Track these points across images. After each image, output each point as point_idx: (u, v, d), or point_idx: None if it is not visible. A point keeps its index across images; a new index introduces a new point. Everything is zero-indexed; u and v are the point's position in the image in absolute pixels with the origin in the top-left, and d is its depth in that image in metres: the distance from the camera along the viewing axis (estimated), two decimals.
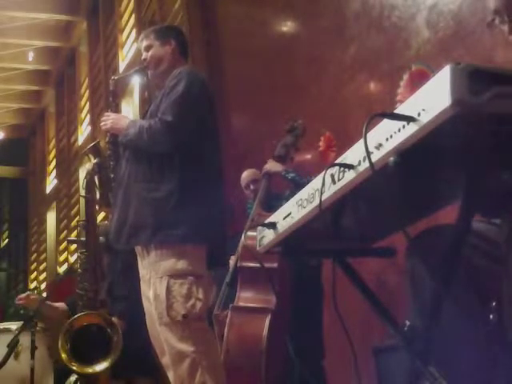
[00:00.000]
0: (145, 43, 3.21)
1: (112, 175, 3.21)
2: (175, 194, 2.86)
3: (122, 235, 2.93)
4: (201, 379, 2.75)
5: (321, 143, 4.06)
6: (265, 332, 3.32)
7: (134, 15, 7.65)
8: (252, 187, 4.16)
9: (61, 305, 4.61)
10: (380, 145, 1.34)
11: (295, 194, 1.75)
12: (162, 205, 2.85)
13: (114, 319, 4.07)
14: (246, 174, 4.26)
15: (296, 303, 3.54)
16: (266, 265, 2.96)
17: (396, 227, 1.60)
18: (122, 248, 3.07)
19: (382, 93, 4.15)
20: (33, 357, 4.25)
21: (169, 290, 2.81)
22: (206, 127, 3.00)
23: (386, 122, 1.34)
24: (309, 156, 4.54)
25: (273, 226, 1.82)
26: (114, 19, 8.34)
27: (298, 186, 3.42)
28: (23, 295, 4.62)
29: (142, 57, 3.21)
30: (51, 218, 10.89)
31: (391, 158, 1.30)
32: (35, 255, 11.48)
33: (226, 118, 5.66)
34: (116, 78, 3.44)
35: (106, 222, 5.06)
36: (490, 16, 1.79)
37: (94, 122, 8.61)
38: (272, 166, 3.90)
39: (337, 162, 1.48)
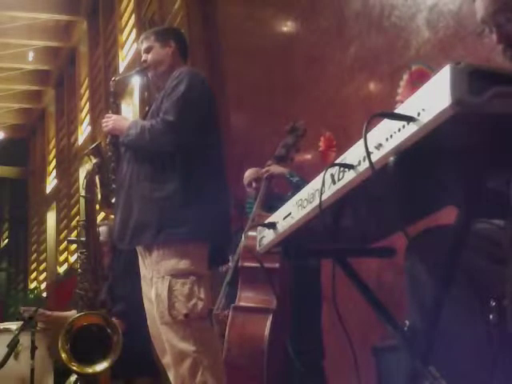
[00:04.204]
0: (145, 45, 3.22)
1: (113, 176, 3.22)
2: (178, 193, 2.86)
3: (125, 235, 2.93)
4: (202, 379, 2.76)
5: (321, 143, 4.07)
6: (266, 332, 3.32)
7: (133, 15, 7.65)
8: (254, 185, 4.16)
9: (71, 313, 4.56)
10: (380, 145, 1.34)
11: None
12: (165, 204, 2.86)
13: (114, 319, 4.07)
14: (248, 173, 4.26)
15: (295, 303, 3.54)
16: (268, 265, 2.96)
17: (396, 227, 1.60)
18: (125, 248, 3.08)
19: (382, 93, 4.16)
20: (33, 357, 4.25)
21: (170, 290, 2.81)
22: (207, 127, 3.00)
23: (385, 121, 1.34)
24: (309, 156, 4.55)
25: (273, 226, 1.82)
26: (113, 19, 8.34)
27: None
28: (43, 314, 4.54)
29: (142, 58, 3.22)
30: (51, 218, 10.89)
31: (391, 158, 1.30)
32: (35, 255, 11.49)
33: (226, 118, 5.66)
34: (116, 79, 3.45)
35: (106, 221, 5.06)
36: (479, 27, 1.81)
37: (94, 122, 8.62)
38: (276, 168, 3.89)
39: (337, 161, 1.48)
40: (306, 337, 3.64)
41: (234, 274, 3.67)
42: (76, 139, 9.91)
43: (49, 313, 4.65)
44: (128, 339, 3.83)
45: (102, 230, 4.49)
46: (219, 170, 3.05)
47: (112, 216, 3.50)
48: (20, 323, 4.41)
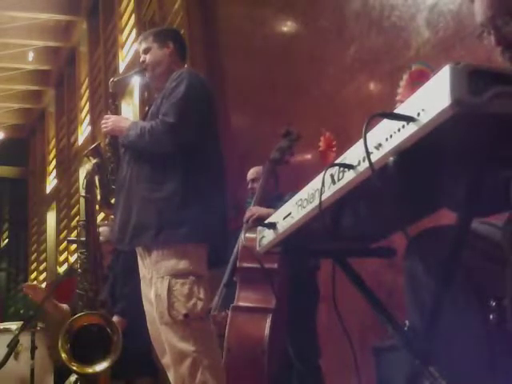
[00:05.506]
0: (143, 46, 3.22)
1: (112, 177, 3.22)
2: (178, 194, 2.87)
3: (125, 236, 2.93)
4: (201, 379, 2.76)
5: (321, 143, 4.06)
6: (266, 332, 3.32)
7: (133, 15, 7.65)
8: (250, 186, 4.15)
9: (64, 306, 4.56)
10: (380, 145, 1.34)
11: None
12: (164, 205, 2.86)
13: (115, 318, 4.06)
14: (250, 172, 4.24)
15: (292, 304, 3.54)
16: (266, 265, 2.96)
17: (396, 227, 1.60)
18: (126, 249, 3.08)
19: (382, 93, 4.15)
20: (33, 357, 4.25)
21: (170, 290, 2.82)
22: (207, 128, 3.01)
23: (385, 121, 1.34)
24: (309, 156, 4.55)
25: (273, 226, 1.82)
26: (113, 19, 8.34)
27: None
28: (31, 284, 4.57)
29: (141, 59, 3.23)
30: (51, 218, 10.89)
31: (391, 158, 1.30)
32: (35, 255, 11.48)
33: (226, 118, 5.66)
34: (115, 79, 3.45)
35: (106, 222, 5.06)
36: (478, 29, 1.82)
37: (94, 122, 8.61)
38: (258, 210, 3.75)
39: (337, 161, 1.48)
40: (302, 337, 3.64)
41: (231, 275, 3.67)
42: (76, 139, 9.91)
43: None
44: (128, 339, 3.83)
45: (106, 229, 4.48)
46: (219, 170, 3.06)
47: (112, 216, 3.50)
48: (20, 323, 4.41)
